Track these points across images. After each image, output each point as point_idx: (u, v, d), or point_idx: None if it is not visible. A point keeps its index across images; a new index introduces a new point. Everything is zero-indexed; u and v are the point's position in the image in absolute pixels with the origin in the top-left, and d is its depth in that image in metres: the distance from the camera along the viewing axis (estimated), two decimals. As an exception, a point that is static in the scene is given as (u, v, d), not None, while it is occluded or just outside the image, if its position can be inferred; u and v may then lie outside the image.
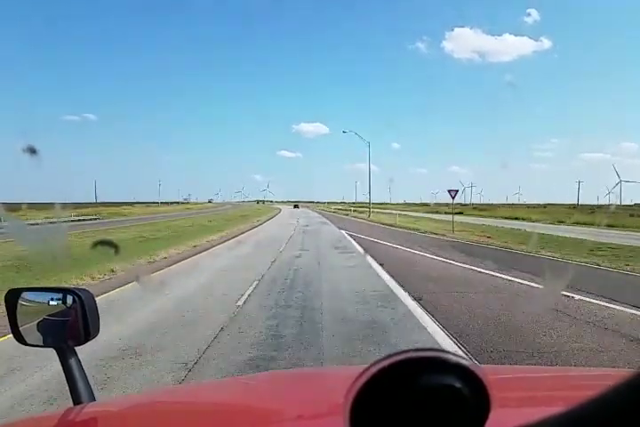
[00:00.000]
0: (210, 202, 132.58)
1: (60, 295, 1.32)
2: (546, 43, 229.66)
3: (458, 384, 0.40)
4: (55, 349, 1.28)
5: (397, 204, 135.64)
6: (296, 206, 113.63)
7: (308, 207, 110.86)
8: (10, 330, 1.30)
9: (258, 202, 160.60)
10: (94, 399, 1.26)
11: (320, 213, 61.47)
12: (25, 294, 1.34)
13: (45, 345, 1.33)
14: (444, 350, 0.42)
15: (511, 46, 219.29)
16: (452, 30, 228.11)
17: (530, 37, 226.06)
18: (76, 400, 1.23)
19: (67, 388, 1.26)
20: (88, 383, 1.27)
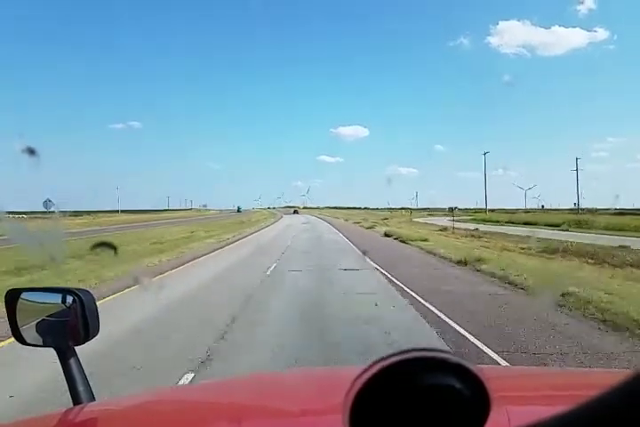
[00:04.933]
0: (239, 210, 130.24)
1: (60, 296, 1.32)
2: (601, 33, 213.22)
3: (458, 385, 0.40)
4: (55, 349, 1.28)
5: (475, 209, 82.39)
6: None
7: (350, 220, 56.82)
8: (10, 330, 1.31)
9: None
10: (94, 399, 1.26)
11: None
12: (25, 295, 1.34)
13: (45, 345, 1.33)
14: (444, 351, 0.42)
15: (563, 39, 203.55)
16: (497, 24, 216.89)
17: (583, 28, 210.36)
18: (76, 400, 1.23)
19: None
20: (87, 383, 1.27)
